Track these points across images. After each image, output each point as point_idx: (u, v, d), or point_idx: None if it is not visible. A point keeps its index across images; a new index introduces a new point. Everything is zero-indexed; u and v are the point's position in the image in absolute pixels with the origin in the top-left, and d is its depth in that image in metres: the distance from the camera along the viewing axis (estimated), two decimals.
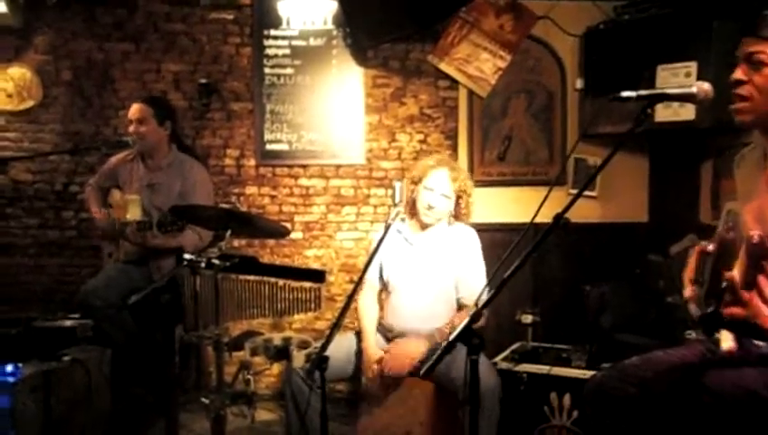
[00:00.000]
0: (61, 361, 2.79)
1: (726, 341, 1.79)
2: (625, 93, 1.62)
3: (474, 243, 2.80)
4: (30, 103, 3.89)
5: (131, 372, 3.27)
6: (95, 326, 3.12)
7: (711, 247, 1.58)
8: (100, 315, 3.14)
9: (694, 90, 1.60)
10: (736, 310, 1.46)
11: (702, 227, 3.40)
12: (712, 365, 1.73)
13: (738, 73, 1.60)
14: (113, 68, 3.92)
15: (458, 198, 2.78)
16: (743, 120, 1.61)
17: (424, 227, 2.81)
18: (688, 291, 1.69)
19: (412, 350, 2.61)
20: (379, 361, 2.64)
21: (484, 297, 1.82)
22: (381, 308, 2.90)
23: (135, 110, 3.33)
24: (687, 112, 3.10)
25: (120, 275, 3.29)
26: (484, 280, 2.73)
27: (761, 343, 1.69)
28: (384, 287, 2.90)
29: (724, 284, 1.43)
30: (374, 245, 2.37)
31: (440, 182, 2.73)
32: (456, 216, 2.82)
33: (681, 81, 3.12)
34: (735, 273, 1.76)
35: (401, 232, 2.83)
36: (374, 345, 2.71)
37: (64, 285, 3.93)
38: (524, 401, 2.87)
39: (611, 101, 1.62)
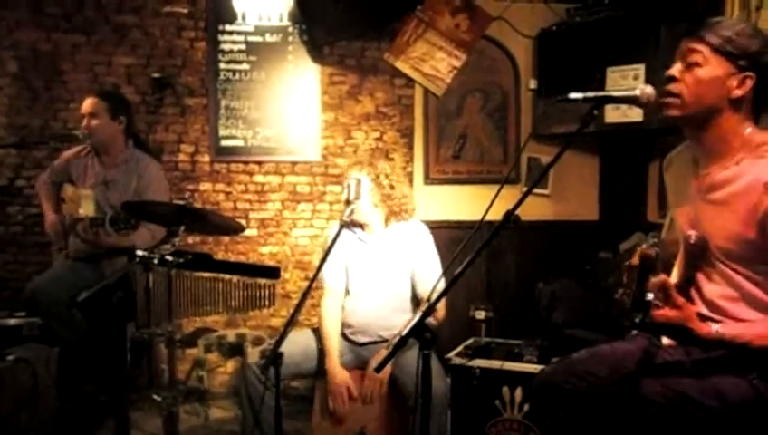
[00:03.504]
0: (4, 360, 2.72)
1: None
2: (572, 95, 1.66)
3: (425, 237, 2.79)
4: None
5: (81, 370, 3.19)
6: (42, 324, 3.04)
7: (635, 261, 1.64)
8: (47, 313, 3.05)
9: (637, 92, 1.65)
10: (669, 312, 1.52)
11: (649, 224, 3.51)
12: (650, 368, 1.78)
13: (673, 70, 1.64)
14: (62, 60, 3.81)
15: (387, 195, 2.73)
16: (671, 115, 1.65)
17: (373, 227, 2.81)
18: (620, 293, 1.76)
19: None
20: (347, 386, 2.62)
21: (437, 293, 1.84)
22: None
23: (87, 104, 3.24)
24: (636, 114, 3.20)
25: (69, 273, 3.20)
26: (440, 273, 2.73)
27: None
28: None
29: (650, 294, 1.50)
30: (329, 243, 2.36)
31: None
32: (395, 213, 2.77)
33: (629, 83, 3.21)
34: (673, 275, 1.84)
35: (355, 232, 2.83)
36: (339, 365, 2.66)
37: (10, 281, 3.81)
38: (477, 395, 2.91)
39: (559, 102, 1.66)
